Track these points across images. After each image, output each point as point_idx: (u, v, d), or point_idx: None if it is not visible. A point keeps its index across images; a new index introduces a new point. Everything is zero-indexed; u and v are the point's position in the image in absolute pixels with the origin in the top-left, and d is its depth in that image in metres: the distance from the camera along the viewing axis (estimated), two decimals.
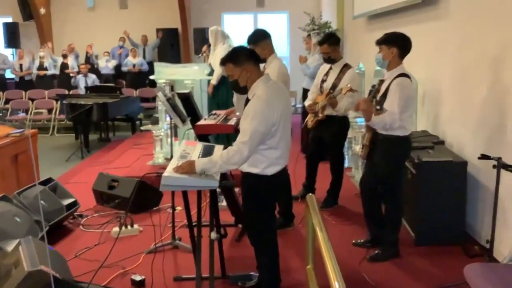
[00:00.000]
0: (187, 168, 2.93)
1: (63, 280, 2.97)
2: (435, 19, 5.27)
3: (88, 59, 12.63)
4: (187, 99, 4.53)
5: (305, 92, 7.07)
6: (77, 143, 9.03)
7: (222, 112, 4.71)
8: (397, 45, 3.74)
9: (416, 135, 5.08)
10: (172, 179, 2.89)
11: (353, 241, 4.28)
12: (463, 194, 4.23)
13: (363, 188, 4.18)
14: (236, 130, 4.38)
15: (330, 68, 4.93)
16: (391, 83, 3.71)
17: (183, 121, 4.21)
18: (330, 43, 4.83)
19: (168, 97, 4.17)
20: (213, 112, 4.78)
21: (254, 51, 3.29)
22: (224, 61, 3.17)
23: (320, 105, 4.79)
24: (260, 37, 4.36)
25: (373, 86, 3.95)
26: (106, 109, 8.67)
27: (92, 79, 10.99)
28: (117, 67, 12.74)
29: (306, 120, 5.09)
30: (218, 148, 3.50)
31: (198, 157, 3.18)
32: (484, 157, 3.53)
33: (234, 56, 3.13)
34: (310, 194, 2.50)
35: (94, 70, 12.11)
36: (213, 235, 3.25)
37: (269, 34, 4.44)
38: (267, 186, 3.18)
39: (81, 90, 10.72)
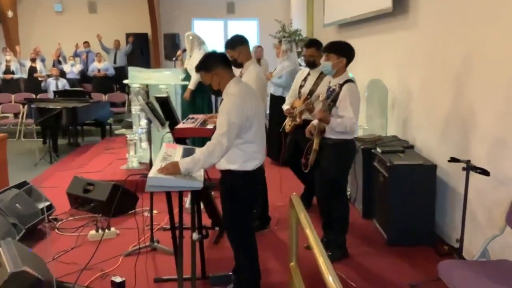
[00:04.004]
0: (172, 169, 3.00)
1: (48, 281, 2.97)
2: (404, 28, 5.47)
3: (56, 63, 12.50)
4: (165, 103, 4.59)
5: (272, 98, 7.16)
6: (45, 148, 8.91)
7: (199, 116, 4.79)
8: (346, 55, 3.98)
9: (387, 139, 5.27)
10: (157, 180, 2.95)
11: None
12: (433, 196, 4.41)
13: (318, 195, 4.36)
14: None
15: (308, 74, 5.02)
16: (341, 89, 3.88)
17: (162, 125, 4.26)
18: (317, 47, 4.93)
19: (147, 101, 4.21)
20: (191, 116, 4.84)
21: (225, 55, 3.43)
22: (197, 69, 3.36)
23: (298, 110, 4.88)
24: (237, 42, 4.44)
25: (330, 91, 4.02)
26: (76, 114, 8.60)
27: (63, 83, 10.92)
28: (82, 72, 12.66)
29: (284, 125, 5.17)
30: (198, 151, 3.57)
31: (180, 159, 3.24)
32: (453, 160, 3.72)
33: (204, 63, 3.30)
34: (294, 193, 2.59)
35: (60, 74, 11.99)
36: (195, 236, 3.31)
37: (246, 39, 4.53)
38: (247, 182, 3.27)
39: (51, 94, 10.60)
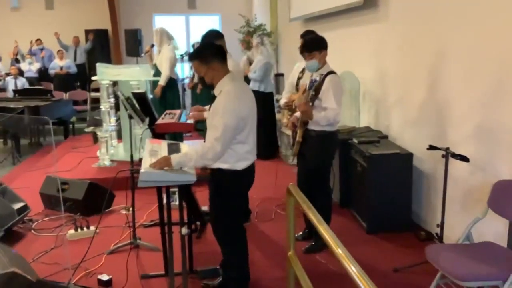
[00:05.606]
0: (164, 163, 2.97)
1: (40, 281, 2.91)
2: (374, 21, 5.58)
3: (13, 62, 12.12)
4: (142, 99, 4.53)
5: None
6: (5, 148, 8.64)
7: (176, 112, 4.76)
8: (325, 47, 4.04)
9: (361, 130, 5.39)
10: (150, 175, 2.92)
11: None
12: (409, 184, 4.53)
13: (299, 184, 4.36)
14: (195, 129, 4.48)
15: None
16: (323, 81, 3.91)
17: (142, 121, 4.21)
18: None
19: (127, 97, 4.15)
20: (168, 111, 4.81)
21: (222, 48, 3.25)
22: (191, 58, 3.25)
23: (297, 102, 4.82)
24: (215, 36, 4.44)
25: (313, 81, 4.03)
26: (38, 113, 8.36)
27: (22, 82, 10.61)
28: (40, 70, 12.32)
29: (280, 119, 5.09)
30: (183, 146, 3.57)
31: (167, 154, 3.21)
32: (432, 148, 3.83)
33: (201, 54, 3.17)
34: (291, 183, 2.62)
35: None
36: (184, 230, 3.29)
37: (222, 34, 4.54)
38: (236, 181, 3.22)
39: (10, 93, 10.28)
